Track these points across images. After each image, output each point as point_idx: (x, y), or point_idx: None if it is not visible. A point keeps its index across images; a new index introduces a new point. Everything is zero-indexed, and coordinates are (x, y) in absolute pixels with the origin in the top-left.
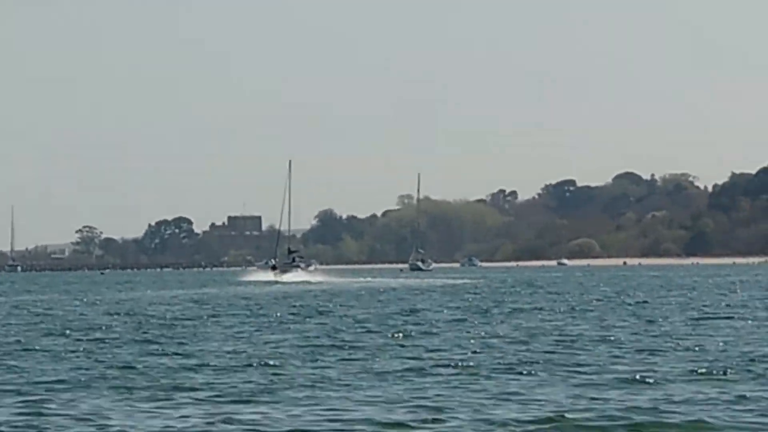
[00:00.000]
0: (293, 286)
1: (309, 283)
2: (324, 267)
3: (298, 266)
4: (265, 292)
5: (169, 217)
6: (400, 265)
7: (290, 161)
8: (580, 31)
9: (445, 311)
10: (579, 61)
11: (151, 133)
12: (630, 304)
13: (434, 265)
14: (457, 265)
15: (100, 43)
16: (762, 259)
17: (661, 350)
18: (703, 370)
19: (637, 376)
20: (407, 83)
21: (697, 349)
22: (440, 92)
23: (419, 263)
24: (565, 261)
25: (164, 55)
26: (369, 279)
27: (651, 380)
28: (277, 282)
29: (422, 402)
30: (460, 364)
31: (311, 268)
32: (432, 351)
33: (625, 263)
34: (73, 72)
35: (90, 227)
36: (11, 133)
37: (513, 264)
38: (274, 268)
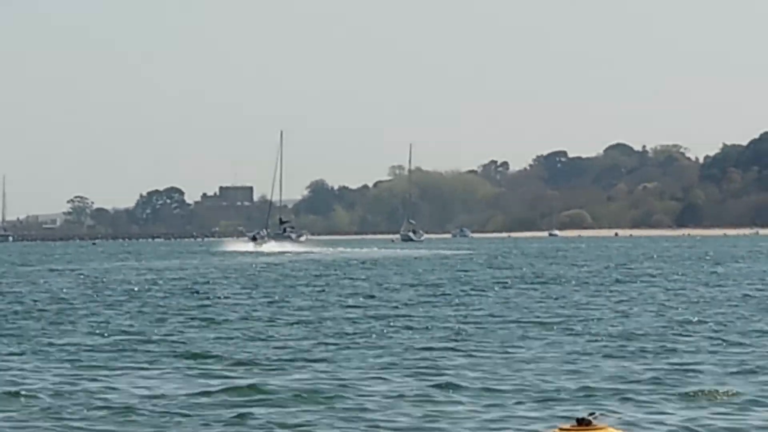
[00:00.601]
0: (272, 257)
1: (289, 253)
2: (315, 237)
3: (286, 236)
4: (235, 263)
5: (161, 188)
6: (392, 236)
7: (282, 132)
8: (575, 1)
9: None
10: (572, 32)
11: (143, 103)
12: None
13: (425, 236)
14: (448, 236)
15: (89, 14)
16: (752, 231)
17: None
18: None
19: None
20: (399, 54)
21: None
22: (432, 62)
23: (410, 234)
24: (557, 232)
25: (157, 25)
26: (357, 249)
27: None
28: (255, 252)
29: None
30: None
31: (302, 238)
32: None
33: (616, 234)
34: (66, 42)
35: (81, 197)
36: (2, 103)
37: (504, 235)
38: (254, 238)
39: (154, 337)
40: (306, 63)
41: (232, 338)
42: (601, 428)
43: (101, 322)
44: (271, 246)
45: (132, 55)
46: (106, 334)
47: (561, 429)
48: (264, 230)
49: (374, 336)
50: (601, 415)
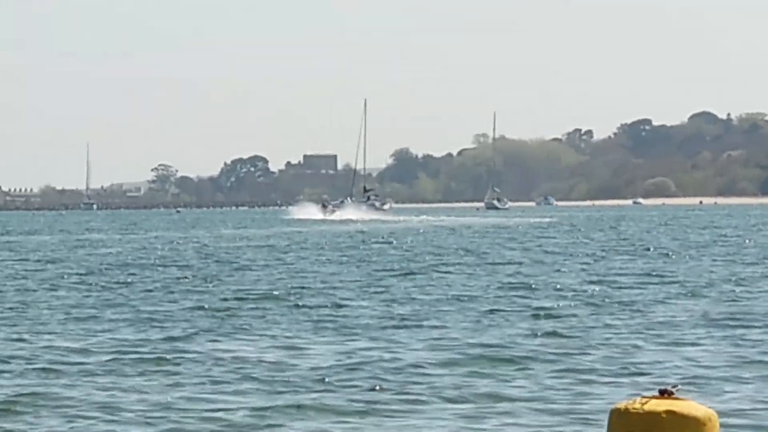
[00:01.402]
0: (340, 226)
1: (356, 221)
2: (399, 206)
3: (370, 204)
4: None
5: (245, 156)
6: (476, 204)
7: (365, 100)
8: None
9: None
10: (655, 2)
11: (227, 72)
12: None
13: (510, 204)
14: (532, 204)
15: None
16: None
17: None
18: None
19: None
20: (485, 21)
21: None
22: (519, 30)
23: (495, 202)
24: (641, 200)
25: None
26: (443, 218)
27: None
28: (324, 221)
29: None
30: None
31: (386, 206)
32: None
33: (701, 202)
34: (152, 15)
35: (165, 165)
36: (86, 71)
37: (589, 203)
38: (324, 205)
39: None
40: (389, 30)
41: None
42: (684, 401)
43: None
44: (341, 214)
45: (213, 26)
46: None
47: (644, 397)
48: (349, 198)
49: None
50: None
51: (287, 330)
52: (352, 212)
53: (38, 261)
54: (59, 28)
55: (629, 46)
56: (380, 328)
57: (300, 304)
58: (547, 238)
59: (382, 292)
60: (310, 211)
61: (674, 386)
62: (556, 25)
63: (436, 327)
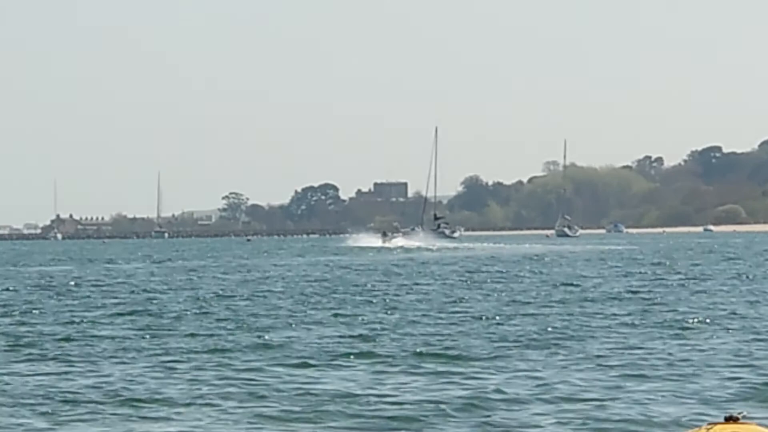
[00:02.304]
0: (395, 254)
1: (419, 249)
2: (469, 233)
3: (440, 232)
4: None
5: (316, 184)
6: (546, 231)
7: (436, 127)
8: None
9: None
10: (724, 26)
11: (298, 99)
12: None
13: (580, 231)
14: (602, 231)
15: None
16: None
17: None
18: None
19: None
20: (557, 50)
21: None
22: (586, 59)
23: (566, 229)
24: (711, 227)
25: (308, 15)
26: (508, 246)
27: None
28: (383, 248)
29: None
30: None
31: (456, 234)
32: None
33: None
34: (216, 35)
35: (236, 193)
36: (158, 102)
37: (659, 230)
38: (384, 234)
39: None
40: (460, 59)
41: None
42: (749, 425)
43: None
44: (396, 242)
45: (285, 50)
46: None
47: (710, 424)
48: (419, 226)
49: None
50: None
51: None
52: (412, 240)
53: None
54: (126, 61)
55: (699, 73)
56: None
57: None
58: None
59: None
60: (369, 240)
61: (740, 412)
62: (624, 52)
63: None
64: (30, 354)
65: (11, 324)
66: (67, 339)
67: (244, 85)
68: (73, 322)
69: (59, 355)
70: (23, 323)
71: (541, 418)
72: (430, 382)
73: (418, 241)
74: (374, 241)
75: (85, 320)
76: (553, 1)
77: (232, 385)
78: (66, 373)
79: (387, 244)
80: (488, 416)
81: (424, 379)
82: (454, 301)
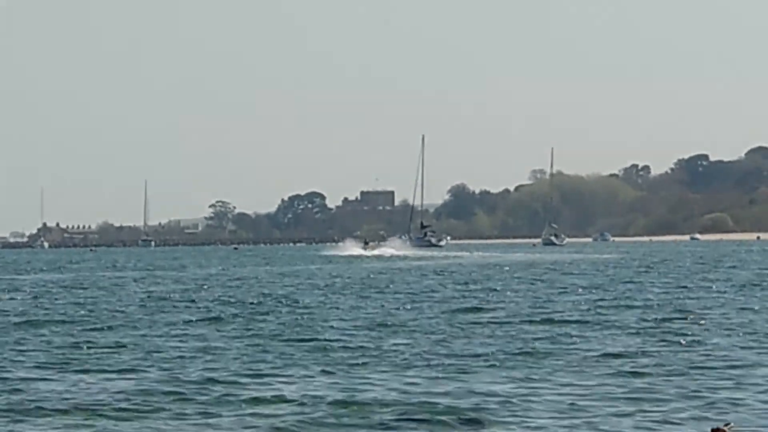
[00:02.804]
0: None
1: (398, 257)
2: (456, 242)
3: (426, 241)
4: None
5: (302, 192)
6: (533, 240)
7: (423, 136)
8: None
9: None
10: (709, 35)
11: (284, 109)
12: None
13: (567, 240)
14: (589, 240)
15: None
16: None
17: None
18: None
19: None
20: (542, 58)
21: None
22: (574, 67)
23: (552, 238)
24: (698, 236)
25: (286, 34)
26: (496, 254)
27: None
28: (362, 256)
29: None
30: None
31: (442, 242)
32: None
33: (758, 238)
34: (207, 50)
35: (223, 202)
36: (144, 110)
37: (646, 239)
38: (366, 243)
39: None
40: (448, 68)
41: None
42: None
43: None
44: (379, 251)
45: (271, 65)
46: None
47: None
48: (406, 234)
49: None
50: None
51: None
52: (395, 249)
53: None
54: (118, 65)
55: (685, 81)
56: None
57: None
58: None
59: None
60: (351, 248)
61: (727, 424)
62: (611, 60)
63: None
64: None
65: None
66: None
67: (231, 95)
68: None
69: None
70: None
71: None
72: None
73: (401, 249)
74: (357, 249)
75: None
76: (541, 9)
77: None
78: None
79: (367, 253)
80: None
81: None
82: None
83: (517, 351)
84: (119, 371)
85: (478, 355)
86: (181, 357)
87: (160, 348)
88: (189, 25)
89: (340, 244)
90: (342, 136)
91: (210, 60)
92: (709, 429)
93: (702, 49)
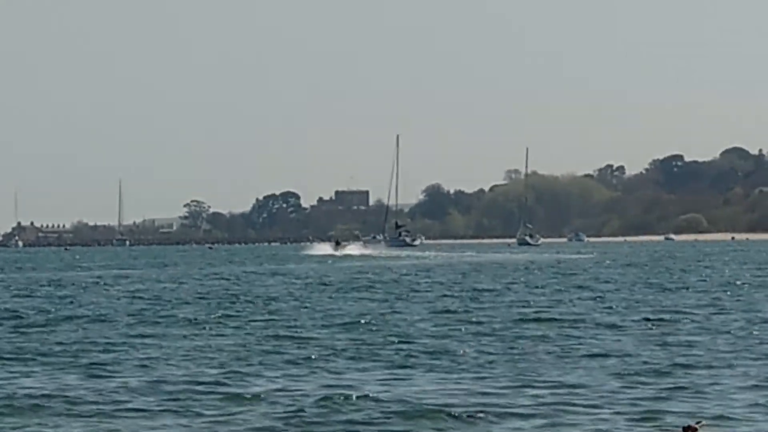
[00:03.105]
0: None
1: (370, 257)
2: (430, 242)
3: (401, 240)
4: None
5: (277, 192)
6: (508, 240)
7: (398, 136)
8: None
9: None
10: (684, 37)
11: (258, 108)
12: None
13: (541, 240)
14: (563, 240)
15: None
16: None
17: None
18: None
19: None
20: (517, 56)
21: None
22: (548, 68)
23: (527, 238)
24: (673, 236)
25: (271, 34)
26: (472, 254)
27: None
28: (333, 256)
29: None
30: None
31: (417, 242)
32: None
33: (733, 238)
34: (178, 49)
35: (198, 201)
36: (119, 109)
37: (620, 239)
38: (337, 243)
39: None
40: (421, 67)
41: None
42: None
43: None
44: (349, 250)
45: (245, 61)
46: None
47: None
48: (381, 234)
49: None
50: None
51: None
52: (367, 248)
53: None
54: (93, 65)
55: (660, 82)
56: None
57: None
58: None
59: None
60: (322, 249)
61: (698, 422)
62: (588, 61)
63: None
64: None
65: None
66: None
67: (206, 95)
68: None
69: None
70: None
71: None
72: None
73: (375, 249)
74: (328, 249)
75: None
76: (516, 10)
77: None
78: None
79: (337, 253)
80: None
81: None
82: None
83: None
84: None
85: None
86: (163, 357)
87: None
88: (171, 25)
89: (314, 244)
90: (317, 136)
91: (186, 59)
92: (680, 427)
93: (678, 50)
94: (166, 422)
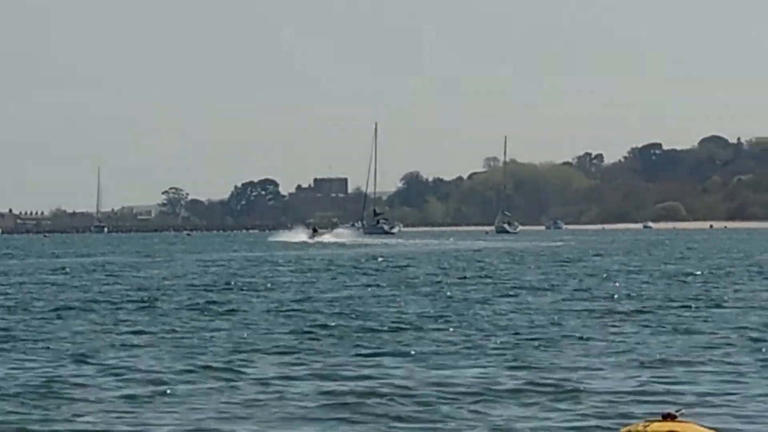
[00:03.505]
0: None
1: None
2: (409, 229)
3: (378, 228)
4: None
5: (256, 179)
6: (486, 228)
7: (376, 123)
8: None
9: None
10: (664, 26)
11: (238, 96)
12: None
13: (520, 227)
14: (542, 228)
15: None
16: None
17: None
18: None
19: None
20: (495, 46)
21: None
22: (527, 55)
23: (505, 225)
24: (651, 224)
25: (250, 20)
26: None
27: None
28: (307, 243)
29: None
30: None
31: (395, 230)
32: None
33: (711, 226)
34: (159, 32)
35: (176, 189)
36: (98, 95)
37: (599, 227)
38: (314, 230)
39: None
40: (399, 56)
41: None
42: (686, 423)
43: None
44: (326, 238)
45: (223, 48)
46: None
47: (647, 421)
48: (359, 222)
49: None
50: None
51: None
52: (343, 235)
53: None
54: (71, 52)
55: (639, 70)
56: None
57: None
58: None
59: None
60: (298, 235)
61: (678, 410)
62: (567, 49)
63: None
64: None
65: None
66: None
67: (184, 81)
68: None
69: None
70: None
71: None
72: None
73: (352, 237)
74: (302, 236)
75: None
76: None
77: None
78: None
79: (312, 240)
80: None
81: None
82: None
83: None
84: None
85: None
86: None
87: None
88: (147, 13)
89: (290, 231)
90: (295, 124)
91: (163, 48)
92: (660, 414)
93: (657, 38)
94: None
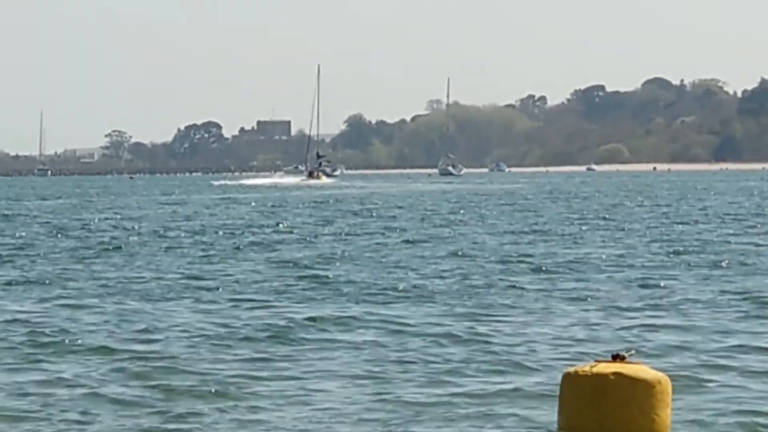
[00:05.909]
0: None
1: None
2: (352, 172)
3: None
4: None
5: (199, 122)
6: (429, 170)
7: (319, 66)
8: None
9: None
10: None
11: (181, 38)
12: None
13: (464, 170)
14: (485, 170)
15: None
16: None
17: None
18: None
19: None
20: None
21: None
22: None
23: (449, 168)
24: (594, 166)
25: None
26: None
27: None
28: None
29: None
30: None
31: (337, 172)
32: None
33: (654, 168)
34: None
35: (119, 131)
36: (40, 39)
37: (542, 169)
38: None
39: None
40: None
41: None
42: (635, 364)
43: None
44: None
45: None
46: None
47: (597, 362)
48: (303, 164)
49: None
50: (636, 353)
51: None
52: (279, 178)
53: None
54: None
55: (582, 12)
56: None
57: None
58: None
59: None
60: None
61: (628, 351)
62: None
63: None
64: None
65: None
66: None
67: (128, 22)
68: None
69: None
70: None
71: None
72: None
73: (287, 179)
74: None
75: None
76: None
77: None
78: None
79: (245, 182)
80: None
81: None
82: None
83: None
84: None
85: None
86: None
87: None
88: None
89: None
90: (238, 66)
91: None
92: (610, 355)
93: None
94: None
